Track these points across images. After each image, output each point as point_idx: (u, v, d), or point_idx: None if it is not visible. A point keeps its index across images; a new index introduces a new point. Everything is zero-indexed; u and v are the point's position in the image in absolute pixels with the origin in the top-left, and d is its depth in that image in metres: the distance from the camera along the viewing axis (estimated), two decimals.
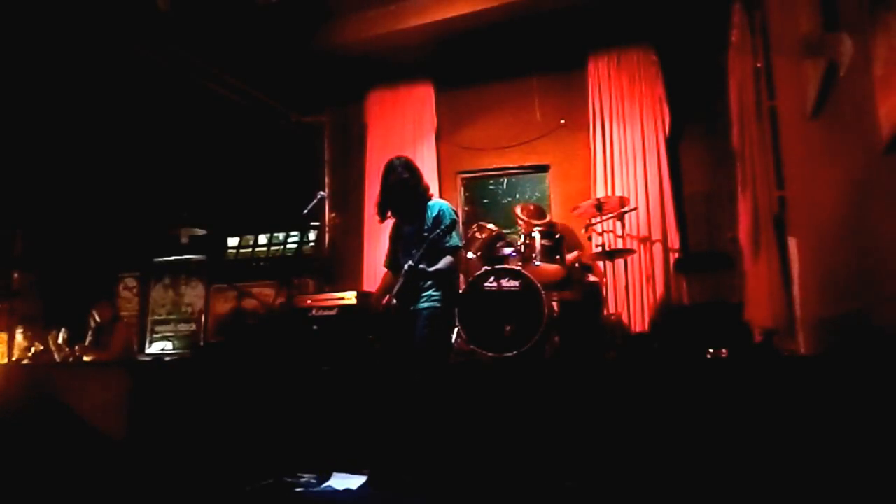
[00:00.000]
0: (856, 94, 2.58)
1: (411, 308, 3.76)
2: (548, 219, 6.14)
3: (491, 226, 5.80)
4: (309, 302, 5.70)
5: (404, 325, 3.76)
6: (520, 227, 5.94)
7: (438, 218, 3.81)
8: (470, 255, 5.70)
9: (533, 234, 5.57)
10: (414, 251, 3.72)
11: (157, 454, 4.28)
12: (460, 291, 4.90)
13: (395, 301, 3.75)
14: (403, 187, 3.83)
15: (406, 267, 3.71)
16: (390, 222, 4.12)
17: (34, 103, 6.65)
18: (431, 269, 3.74)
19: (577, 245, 5.93)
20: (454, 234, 3.79)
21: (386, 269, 4.13)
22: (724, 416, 3.47)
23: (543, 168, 7.17)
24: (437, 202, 3.93)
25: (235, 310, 6.95)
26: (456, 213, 3.96)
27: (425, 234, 3.77)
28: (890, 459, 2.39)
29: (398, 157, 3.95)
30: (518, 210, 6.03)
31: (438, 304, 3.74)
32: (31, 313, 7.19)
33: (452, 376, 4.15)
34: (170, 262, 8.43)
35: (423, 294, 3.76)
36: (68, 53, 6.04)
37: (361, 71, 7.49)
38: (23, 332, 6.57)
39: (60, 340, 6.49)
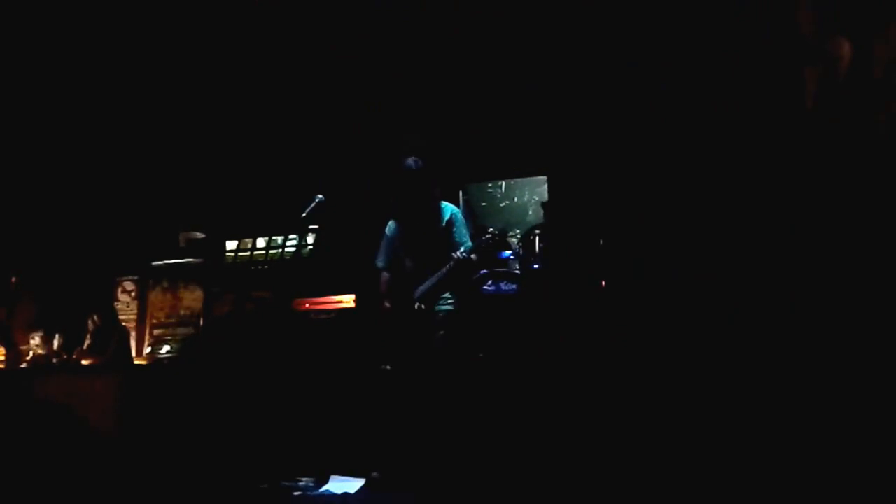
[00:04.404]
0: (856, 94, 2.58)
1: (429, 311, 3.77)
2: None
3: (490, 228, 5.78)
4: (307, 305, 5.68)
5: (418, 326, 3.76)
6: None
7: (451, 222, 3.80)
8: None
9: (531, 237, 5.55)
10: (459, 252, 3.68)
11: (155, 458, 4.27)
12: None
13: (422, 305, 3.75)
14: (418, 189, 3.80)
15: (457, 257, 3.65)
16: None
17: (34, 104, 6.64)
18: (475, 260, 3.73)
19: None
20: (469, 238, 3.80)
21: (382, 270, 4.09)
22: (723, 419, 3.46)
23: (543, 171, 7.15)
24: (448, 206, 3.92)
25: (234, 313, 6.93)
26: (462, 216, 3.96)
27: (438, 237, 3.76)
28: (890, 460, 2.39)
29: (413, 158, 3.90)
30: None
31: (454, 308, 3.75)
32: (28, 317, 7.16)
33: (465, 376, 4.15)
34: (168, 266, 8.40)
35: (440, 297, 3.77)
36: (68, 53, 6.04)
37: None
38: (41, 336, 6.54)
39: (56, 345, 6.46)
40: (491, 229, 3.83)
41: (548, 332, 4.89)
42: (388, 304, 4.00)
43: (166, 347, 8.22)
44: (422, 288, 3.77)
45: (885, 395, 2.71)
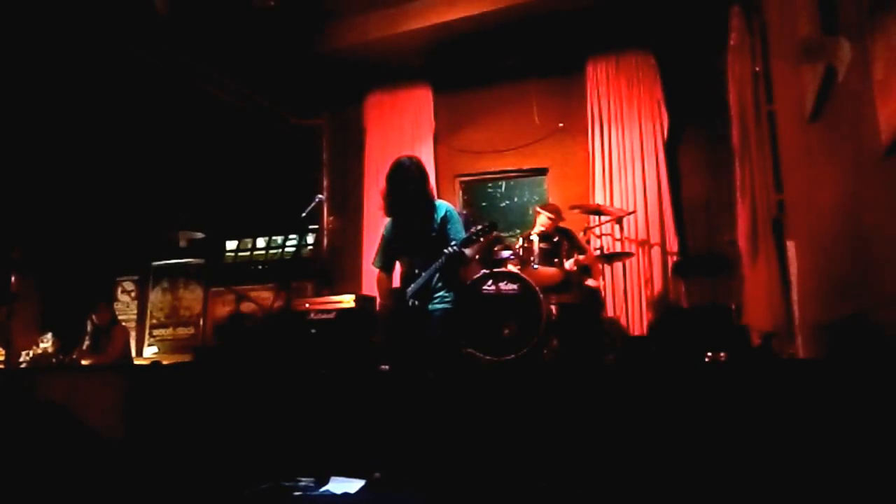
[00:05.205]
0: (855, 97, 2.58)
1: (424, 309, 3.76)
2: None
3: (486, 222, 5.77)
4: (307, 305, 5.68)
5: (415, 325, 3.74)
6: (544, 227, 5.84)
7: (446, 219, 3.79)
8: None
9: (531, 237, 5.56)
10: (450, 246, 3.67)
11: (156, 458, 4.27)
12: None
13: (416, 302, 3.75)
14: (413, 187, 3.78)
15: (448, 252, 3.65)
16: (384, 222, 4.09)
17: (33, 106, 6.64)
18: (469, 254, 3.73)
19: (577, 247, 5.91)
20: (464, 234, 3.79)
21: (378, 270, 4.09)
22: (722, 420, 3.46)
23: (542, 171, 7.18)
24: (442, 203, 3.91)
25: (234, 313, 6.94)
26: (458, 214, 3.95)
27: (433, 234, 3.76)
28: (890, 463, 2.39)
29: (407, 157, 3.87)
30: (542, 210, 5.96)
31: (451, 306, 3.74)
32: (29, 317, 7.17)
33: (462, 376, 4.14)
34: (168, 266, 8.42)
35: (436, 296, 3.76)
36: (67, 56, 6.04)
37: (360, 74, 7.50)
38: (51, 338, 6.55)
39: (50, 345, 6.46)
40: (487, 223, 3.82)
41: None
42: (385, 304, 4.00)
43: (166, 347, 8.24)
44: (414, 286, 3.76)
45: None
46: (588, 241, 6.11)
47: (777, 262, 4.55)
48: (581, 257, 5.73)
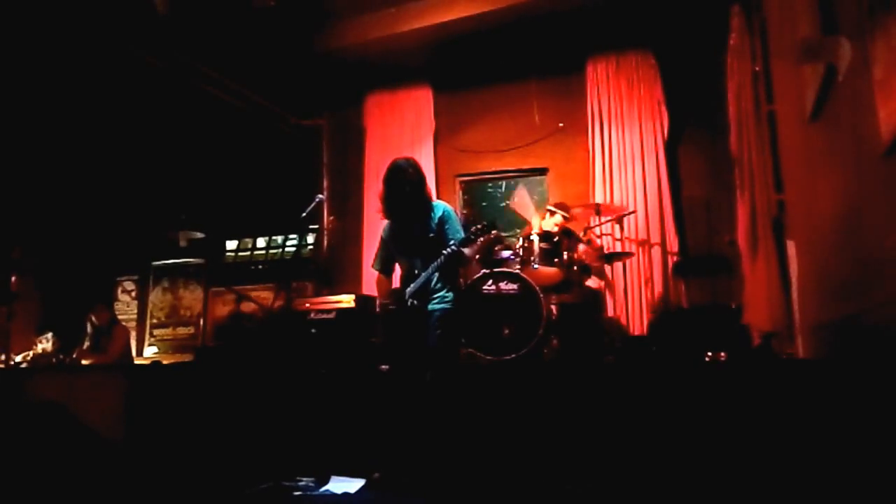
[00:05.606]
0: (855, 97, 2.58)
1: (423, 309, 3.76)
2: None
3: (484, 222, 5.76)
4: (307, 305, 5.68)
5: (414, 325, 3.75)
6: (557, 225, 5.90)
7: (443, 219, 3.79)
8: None
9: (531, 237, 5.56)
10: (449, 246, 3.67)
11: (156, 458, 4.27)
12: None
13: (415, 302, 3.75)
14: (410, 189, 3.78)
15: (447, 252, 3.66)
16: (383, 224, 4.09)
17: (33, 106, 6.64)
18: (468, 253, 3.74)
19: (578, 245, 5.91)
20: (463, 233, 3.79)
21: (378, 272, 4.10)
22: (722, 420, 3.46)
23: (542, 171, 7.17)
24: (439, 203, 3.91)
25: (234, 313, 6.94)
26: (455, 213, 3.95)
27: (431, 235, 3.76)
28: (890, 462, 2.39)
29: (404, 158, 3.89)
30: (556, 209, 5.99)
31: (450, 306, 3.74)
32: (28, 317, 7.16)
33: (462, 377, 4.14)
34: (168, 266, 8.43)
35: (436, 296, 3.76)
36: (67, 56, 6.04)
37: (360, 74, 7.50)
38: (51, 338, 6.56)
39: (50, 345, 6.45)
40: (485, 222, 3.82)
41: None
42: (384, 305, 4.00)
43: (166, 347, 8.24)
44: (413, 286, 3.77)
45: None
46: (588, 242, 6.11)
47: (777, 262, 4.55)
48: (582, 249, 5.75)
